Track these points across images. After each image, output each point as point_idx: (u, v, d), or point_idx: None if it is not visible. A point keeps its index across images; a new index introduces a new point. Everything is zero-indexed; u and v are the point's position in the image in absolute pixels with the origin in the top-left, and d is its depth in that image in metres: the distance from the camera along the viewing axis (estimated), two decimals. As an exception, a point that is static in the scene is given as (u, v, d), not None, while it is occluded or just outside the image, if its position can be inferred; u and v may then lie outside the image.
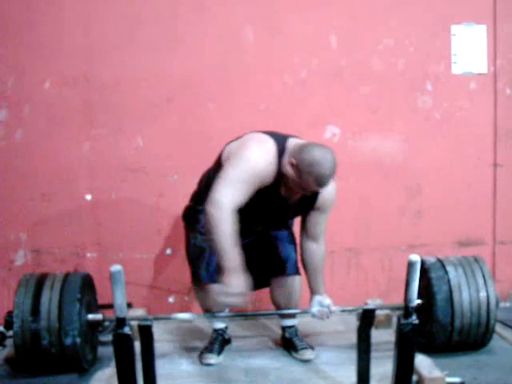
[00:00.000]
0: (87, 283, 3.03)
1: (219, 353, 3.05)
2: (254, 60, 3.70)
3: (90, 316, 2.96)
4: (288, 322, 3.17)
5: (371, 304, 3.37)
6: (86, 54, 3.61)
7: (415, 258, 2.25)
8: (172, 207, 3.63)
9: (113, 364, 2.65)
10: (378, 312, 3.10)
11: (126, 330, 2.24)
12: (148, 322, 2.39)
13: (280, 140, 2.67)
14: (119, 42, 3.63)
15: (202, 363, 3.00)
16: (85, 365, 2.91)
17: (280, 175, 2.62)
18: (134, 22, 3.63)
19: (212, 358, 3.00)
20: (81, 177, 3.66)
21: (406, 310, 2.29)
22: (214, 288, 2.51)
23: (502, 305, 3.85)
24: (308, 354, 3.02)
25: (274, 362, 3.01)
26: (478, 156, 3.87)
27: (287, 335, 3.15)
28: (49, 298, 2.84)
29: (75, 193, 3.65)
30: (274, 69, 3.71)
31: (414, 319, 2.27)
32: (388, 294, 3.77)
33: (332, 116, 3.76)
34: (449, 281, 2.98)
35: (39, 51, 3.59)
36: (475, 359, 2.99)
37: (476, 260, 3.10)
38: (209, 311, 2.98)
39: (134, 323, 2.62)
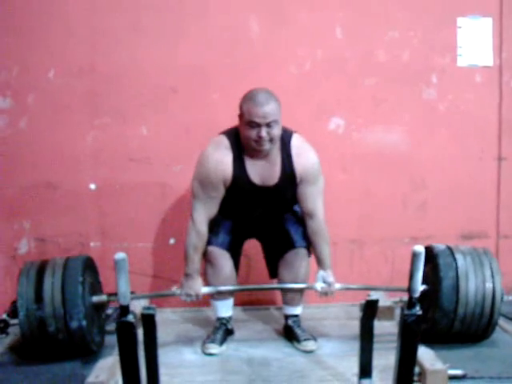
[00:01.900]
0: (88, 266, 3.03)
1: (221, 343, 3.05)
2: (258, 51, 3.69)
3: (95, 298, 2.98)
4: (291, 311, 3.17)
5: (374, 295, 3.38)
6: (91, 44, 3.61)
7: (419, 248, 2.25)
8: (176, 197, 3.64)
9: (115, 353, 2.66)
10: (380, 304, 3.10)
11: (130, 317, 2.24)
12: (151, 311, 2.39)
13: (232, 130, 2.92)
14: (124, 31, 3.62)
15: (204, 353, 3.01)
16: (93, 347, 2.94)
17: (240, 155, 2.86)
18: (139, 11, 3.62)
19: (214, 348, 3.01)
20: (85, 166, 3.66)
21: (410, 301, 2.28)
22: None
23: (504, 298, 3.85)
24: (310, 345, 3.02)
25: (277, 353, 3.01)
26: (483, 149, 3.86)
27: (290, 323, 3.15)
28: (51, 285, 2.84)
29: (79, 182, 3.65)
30: (278, 60, 3.70)
31: (418, 310, 2.27)
32: (391, 285, 3.76)
33: (337, 108, 3.75)
34: (456, 268, 2.99)
35: (44, 40, 3.59)
36: (477, 352, 2.99)
37: (485, 252, 3.11)
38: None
39: (138, 311, 2.64)
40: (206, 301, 3.67)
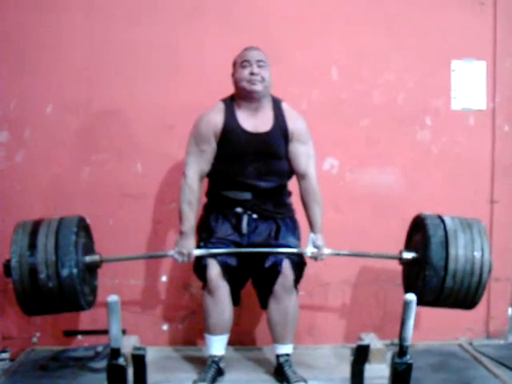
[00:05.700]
0: (82, 225, 3.07)
1: (212, 383, 3.02)
2: (255, 89, 3.71)
3: (88, 258, 3.01)
4: (282, 349, 3.13)
5: (365, 338, 3.37)
6: (88, 80, 3.64)
7: (411, 296, 2.26)
8: (169, 234, 3.64)
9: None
10: (371, 346, 3.09)
11: (121, 361, 2.24)
12: (141, 352, 2.38)
13: (228, 95, 3.16)
14: (121, 68, 3.66)
15: (194, 393, 2.98)
16: (83, 304, 2.92)
17: (232, 108, 3.08)
18: (135, 48, 3.66)
19: (204, 388, 2.98)
20: (79, 201, 3.65)
21: (401, 349, 2.29)
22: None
23: (495, 342, 3.86)
24: (301, 388, 2.99)
25: (266, 395, 2.99)
26: (475, 192, 3.88)
27: (281, 362, 3.11)
28: (45, 234, 2.88)
29: (73, 217, 3.65)
30: (274, 99, 3.72)
31: (409, 359, 2.27)
32: (382, 327, 3.75)
33: (331, 148, 3.77)
34: (445, 227, 3.03)
35: (42, 76, 3.62)
36: (468, 397, 2.99)
37: (473, 219, 3.17)
38: (213, 320, 3.05)
39: (128, 352, 2.62)
40: (196, 339, 3.68)
